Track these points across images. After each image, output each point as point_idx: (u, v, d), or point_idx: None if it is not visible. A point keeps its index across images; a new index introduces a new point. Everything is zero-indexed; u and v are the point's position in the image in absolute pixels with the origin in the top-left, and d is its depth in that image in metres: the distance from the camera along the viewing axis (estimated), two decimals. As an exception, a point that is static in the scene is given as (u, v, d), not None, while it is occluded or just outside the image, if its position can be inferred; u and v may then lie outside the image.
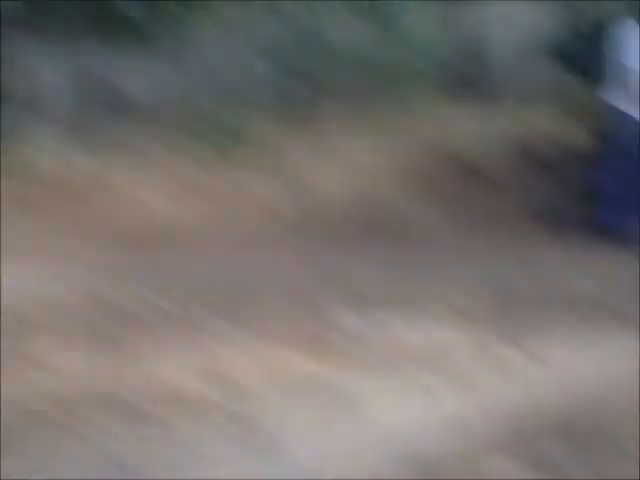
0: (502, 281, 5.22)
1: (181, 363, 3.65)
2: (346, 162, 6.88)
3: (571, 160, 6.67)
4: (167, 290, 4.55)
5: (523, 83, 10.53)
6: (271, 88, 7.44)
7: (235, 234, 5.90)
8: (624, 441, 3.04)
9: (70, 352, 3.71)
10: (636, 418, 3.16)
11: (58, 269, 4.82)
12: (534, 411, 3.38)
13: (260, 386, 3.50)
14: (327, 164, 6.83)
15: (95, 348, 3.79)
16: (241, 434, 3.09)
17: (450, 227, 6.45)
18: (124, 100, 6.80)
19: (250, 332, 4.05)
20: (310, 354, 3.85)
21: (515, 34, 11.62)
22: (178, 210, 6.14)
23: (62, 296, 4.44)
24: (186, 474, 2.80)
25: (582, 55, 12.21)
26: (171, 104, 6.87)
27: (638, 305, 4.54)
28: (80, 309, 4.34)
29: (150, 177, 6.32)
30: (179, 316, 4.27)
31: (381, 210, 6.59)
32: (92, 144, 6.41)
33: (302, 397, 3.45)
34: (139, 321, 4.18)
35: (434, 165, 7.18)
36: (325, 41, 7.98)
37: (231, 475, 2.80)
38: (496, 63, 13.40)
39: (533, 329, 4.33)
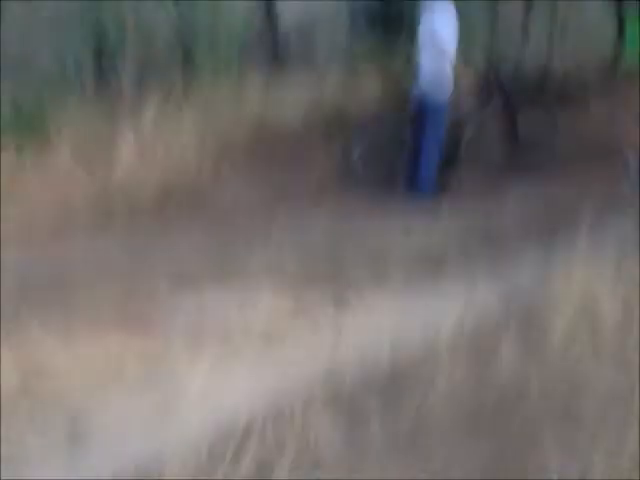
0: (322, 244, 5.41)
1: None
2: (164, 142, 6.78)
3: (386, 121, 6.98)
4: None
5: (340, 50, 10.95)
6: (88, 71, 7.30)
7: (54, 221, 5.66)
8: (441, 394, 3.22)
9: None
10: (453, 375, 3.34)
11: None
12: (353, 368, 3.52)
13: (83, 371, 3.44)
14: (143, 145, 6.69)
15: None
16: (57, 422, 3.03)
17: (265, 197, 6.58)
18: None
19: (73, 318, 3.97)
20: (136, 334, 3.82)
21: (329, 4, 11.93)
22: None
23: None
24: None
25: (396, 22, 12.84)
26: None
27: (461, 257, 4.94)
28: None
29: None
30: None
31: (194, 187, 6.59)
32: None
33: (129, 377, 3.43)
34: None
35: (249, 135, 7.26)
36: (143, 23, 8.02)
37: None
38: (317, 33, 13.77)
39: (357, 288, 4.54)
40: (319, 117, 7.86)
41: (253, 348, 3.79)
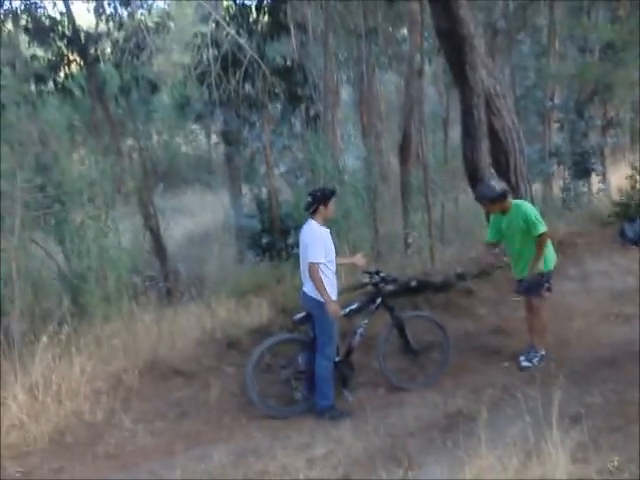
0: (223, 470, 5.43)
1: None
2: (55, 386, 6.86)
3: (278, 343, 7.19)
4: None
5: (228, 280, 11.49)
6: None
7: None
8: None
9: None
10: None
11: None
12: None
13: None
14: (33, 393, 6.77)
15: None
16: None
17: (162, 432, 6.60)
18: None
19: None
20: None
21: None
22: None
23: None
24: None
25: (280, 250, 13.79)
26: None
27: None
28: None
29: None
30: None
31: (88, 429, 6.59)
32: None
33: None
34: None
35: (142, 370, 7.44)
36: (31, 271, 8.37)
37: None
38: (205, 265, 14.45)
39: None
40: (211, 345, 8.10)
41: None
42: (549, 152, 18.22)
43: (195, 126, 29.14)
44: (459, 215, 16.85)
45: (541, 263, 7.27)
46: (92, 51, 14.17)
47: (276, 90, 13.60)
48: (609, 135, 19.83)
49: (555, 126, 19.31)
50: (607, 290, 9.39)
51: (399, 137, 16.48)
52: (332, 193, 6.90)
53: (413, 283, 9.06)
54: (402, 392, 7.09)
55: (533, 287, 7.40)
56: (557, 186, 18.37)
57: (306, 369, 6.93)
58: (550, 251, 7.44)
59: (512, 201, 7.47)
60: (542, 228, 7.19)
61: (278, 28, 13.95)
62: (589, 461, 4.77)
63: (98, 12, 14.31)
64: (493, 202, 7.36)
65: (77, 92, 15.56)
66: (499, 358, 7.60)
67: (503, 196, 7.35)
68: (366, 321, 7.24)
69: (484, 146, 9.75)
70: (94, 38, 14.25)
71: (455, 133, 17.39)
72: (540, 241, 7.19)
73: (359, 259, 7.26)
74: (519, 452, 4.90)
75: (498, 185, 7.49)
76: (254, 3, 13.95)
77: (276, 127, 16.90)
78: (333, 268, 6.79)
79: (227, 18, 13.83)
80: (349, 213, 12.39)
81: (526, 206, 7.39)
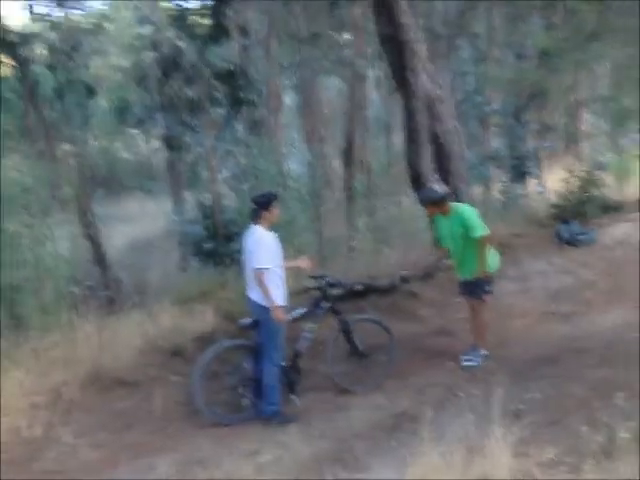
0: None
1: None
2: None
3: (224, 350, 7.20)
4: None
5: (171, 286, 11.42)
6: None
7: None
8: None
9: None
10: None
11: None
12: None
13: None
14: None
15: None
16: None
17: (104, 445, 6.54)
18: None
19: None
20: None
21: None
22: None
23: None
24: None
25: (224, 256, 13.75)
26: None
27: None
28: None
29: None
30: None
31: (26, 444, 6.48)
32: None
33: None
34: None
35: (84, 381, 7.33)
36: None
37: None
38: (148, 272, 14.32)
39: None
40: (155, 354, 8.05)
41: None
42: (488, 156, 18.61)
43: (135, 131, 28.82)
44: (402, 218, 17.05)
45: (484, 266, 7.46)
46: (24, 52, 13.80)
47: (218, 94, 13.59)
48: (545, 139, 20.37)
49: (494, 130, 19.74)
50: (545, 290, 9.68)
51: (343, 142, 16.63)
52: (274, 197, 6.97)
53: (358, 287, 9.18)
54: (349, 395, 7.20)
55: (474, 289, 7.59)
56: (496, 189, 18.77)
57: (253, 375, 6.96)
58: (491, 254, 7.64)
59: (452, 204, 7.66)
60: (481, 231, 7.38)
61: (220, 32, 13.93)
62: (529, 455, 4.93)
63: (31, 12, 13.94)
64: (435, 205, 7.55)
65: (9, 95, 15.20)
66: (443, 358, 7.77)
67: (444, 199, 7.54)
68: (313, 325, 7.31)
69: (426, 150, 9.94)
70: (26, 39, 13.88)
71: (398, 138, 17.65)
72: (480, 244, 7.38)
73: (304, 262, 7.34)
74: (463, 449, 5.03)
75: (440, 188, 7.68)
76: (195, 5, 13.94)
77: (219, 132, 16.86)
78: (281, 273, 6.85)
79: (167, 21, 13.76)
80: (294, 218, 12.46)
81: (465, 209, 7.58)
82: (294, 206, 12.72)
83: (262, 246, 6.71)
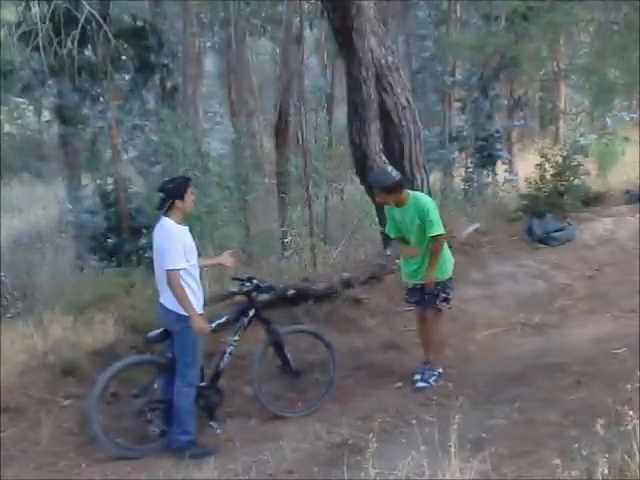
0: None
1: None
2: None
3: (127, 368, 7.13)
4: None
5: (66, 291, 11.27)
6: None
7: None
8: None
9: None
10: None
11: None
12: None
13: None
14: None
15: None
16: None
17: None
18: None
19: None
20: None
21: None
22: None
23: None
24: None
25: (130, 254, 13.61)
26: None
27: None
28: None
29: None
30: None
31: None
32: None
33: None
34: None
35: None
36: None
37: None
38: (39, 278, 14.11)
39: None
40: (42, 372, 7.93)
41: None
42: (449, 136, 18.88)
43: (21, 100, 28.26)
44: (346, 210, 17.19)
45: (437, 270, 7.52)
46: None
47: (123, 57, 13.44)
48: (517, 117, 20.73)
49: (456, 106, 20.01)
50: (513, 296, 9.85)
51: (275, 117, 16.65)
52: (187, 182, 6.93)
53: (291, 291, 9.19)
54: (279, 421, 7.20)
55: (427, 297, 7.65)
56: (458, 176, 19.03)
57: (163, 398, 6.91)
58: (447, 256, 7.72)
59: (409, 192, 7.68)
60: (439, 229, 7.44)
61: (126, -19, 13.81)
62: (491, 492, 5.01)
63: None
64: (389, 191, 7.53)
65: None
66: (391, 378, 7.83)
67: (400, 185, 7.55)
68: (237, 338, 7.29)
69: (374, 128, 10.00)
70: None
71: (341, 113, 17.72)
72: (436, 244, 7.44)
73: (226, 259, 7.31)
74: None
75: (396, 172, 7.70)
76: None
77: (124, 102, 16.69)
78: (196, 274, 6.81)
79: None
80: (214, 208, 12.43)
81: (425, 200, 7.63)
82: (215, 193, 12.68)
83: (174, 242, 6.65)
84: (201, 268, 7.05)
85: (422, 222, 7.44)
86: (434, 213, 7.47)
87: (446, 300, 7.70)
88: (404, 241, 7.76)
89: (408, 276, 7.78)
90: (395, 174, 7.61)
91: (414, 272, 7.67)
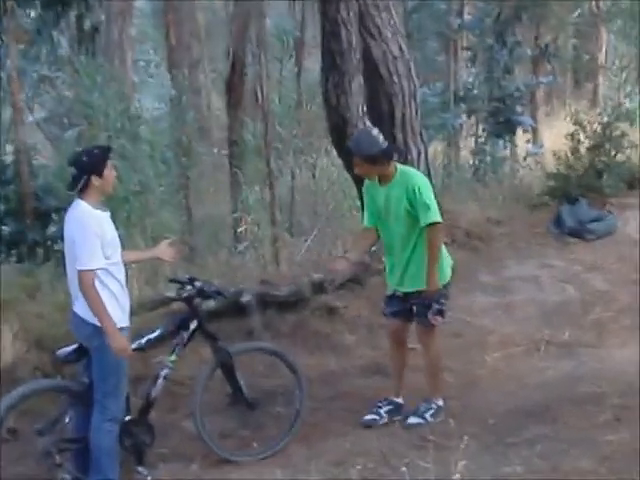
0: None
1: None
2: None
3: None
4: None
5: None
6: None
7: None
8: None
9: None
10: None
11: None
12: None
13: None
14: None
15: None
16: None
17: None
18: None
19: None
20: None
21: None
22: None
23: None
24: None
25: (40, 249, 13.55)
26: None
27: None
28: None
29: None
30: None
31: None
32: None
33: None
34: None
35: None
36: None
37: None
38: None
39: None
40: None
41: None
42: (455, 95, 18.89)
43: None
44: (318, 190, 17.20)
45: (435, 272, 7.48)
46: None
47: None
48: (543, 72, 20.77)
49: (465, 56, 20.03)
50: (536, 306, 9.90)
51: (227, 68, 16.63)
52: (106, 152, 6.88)
53: (246, 297, 9.21)
54: (228, 467, 7.21)
55: (417, 309, 7.61)
56: (466, 147, 19.05)
57: (77, 435, 6.90)
58: (443, 255, 7.69)
59: (398, 166, 7.66)
60: (435, 215, 7.39)
61: None
62: None
63: None
64: (373, 161, 7.48)
65: None
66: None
67: (388, 155, 7.52)
68: (174, 358, 7.28)
69: (356, 85, 10.02)
70: None
71: (314, 63, 17.70)
72: (433, 237, 7.37)
73: (164, 251, 7.28)
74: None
75: (383, 138, 7.68)
76: None
77: (29, 47, 16.60)
78: (120, 274, 6.78)
79: None
80: (146, 187, 12.39)
81: (417, 177, 7.60)
82: (147, 168, 12.64)
83: (88, 233, 6.60)
84: (128, 265, 7.03)
85: (412, 206, 7.37)
86: (428, 194, 7.41)
87: (440, 313, 7.64)
88: (382, 234, 7.76)
89: (392, 277, 7.74)
90: (383, 140, 7.60)
91: (399, 274, 7.64)
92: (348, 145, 8.10)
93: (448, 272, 7.72)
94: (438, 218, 7.39)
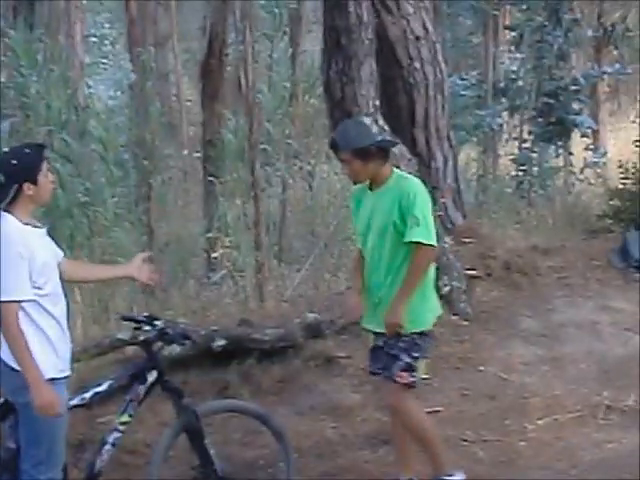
0: None
1: None
2: None
3: None
4: None
5: None
6: None
7: None
8: None
9: None
10: None
11: None
12: None
13: None
14: None
15: None
16: None
17: None
18: None
19: None
20: None
21: None
22: None
23: None
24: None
25: None
26: None
27: None
28: None
29: None
30: None
31: None
32: None
33: None
34: None
35: None
36: None
37: None
38: None
39: None
40: None
41: None
42: (495, 88, 18.98)
43: None
44: (316, 206, 17.25)
45: (408, 310, 7.35)
46: None
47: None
48: (607, 59, 20.85)
49: (507, 38, 20.13)
50: (594, 361, 9.91)
51: (203, 48, 16.71)
52: (40, 153, 6.87)
53: (220, 342, 9.23)
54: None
55: (388, 357, 7.44)
56: (508, 154, 19.11)
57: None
58: (429, 293, 7.55)
59: (396, 171, 7.59)
60: (427, 234, 7.17)
61: None
62: None
63: None
64: (364, 158, 7.32)
65: None
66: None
67: (384, 151, 7.43)
68: (126, 418, 7.28)
69: (367, 71, 10.05)
70: None
71: (313, 43, 17.78)
72: (418, 259, 7.20)
73: (140, 268, 7.16)
74: None
75: (378, 130, 7.64)
76: None
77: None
78: (56, 310, 6.76)
79: None
80: (95, 197, 12.43)
81: (414, 184, 7.38)
82: (97, 173, 12.68)
83: (11, 255, 6.58)
84: (67, 290, 7.01)
85: (403, 220, 7.23)
86: (423, 206, 7.25)
87: (409, 369, 7.39)
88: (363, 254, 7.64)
89: (370, 317, 7.51)
90: (377, 131, 7.54)
91: (372, 307, 7.48)
92: (332, 137, 7.84)
93: (429, 318, 7.49)
94: (430, 240, 7.20)
